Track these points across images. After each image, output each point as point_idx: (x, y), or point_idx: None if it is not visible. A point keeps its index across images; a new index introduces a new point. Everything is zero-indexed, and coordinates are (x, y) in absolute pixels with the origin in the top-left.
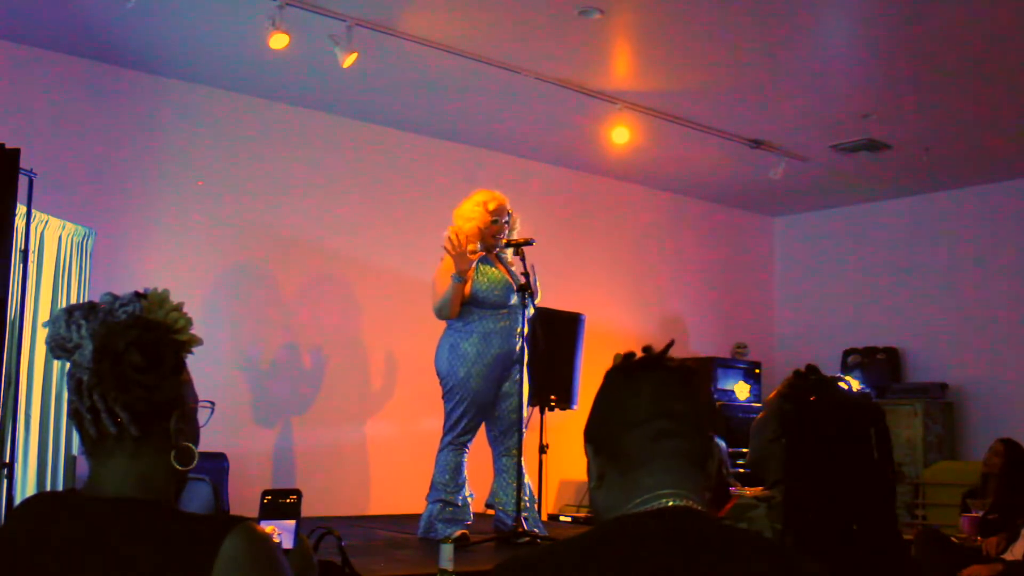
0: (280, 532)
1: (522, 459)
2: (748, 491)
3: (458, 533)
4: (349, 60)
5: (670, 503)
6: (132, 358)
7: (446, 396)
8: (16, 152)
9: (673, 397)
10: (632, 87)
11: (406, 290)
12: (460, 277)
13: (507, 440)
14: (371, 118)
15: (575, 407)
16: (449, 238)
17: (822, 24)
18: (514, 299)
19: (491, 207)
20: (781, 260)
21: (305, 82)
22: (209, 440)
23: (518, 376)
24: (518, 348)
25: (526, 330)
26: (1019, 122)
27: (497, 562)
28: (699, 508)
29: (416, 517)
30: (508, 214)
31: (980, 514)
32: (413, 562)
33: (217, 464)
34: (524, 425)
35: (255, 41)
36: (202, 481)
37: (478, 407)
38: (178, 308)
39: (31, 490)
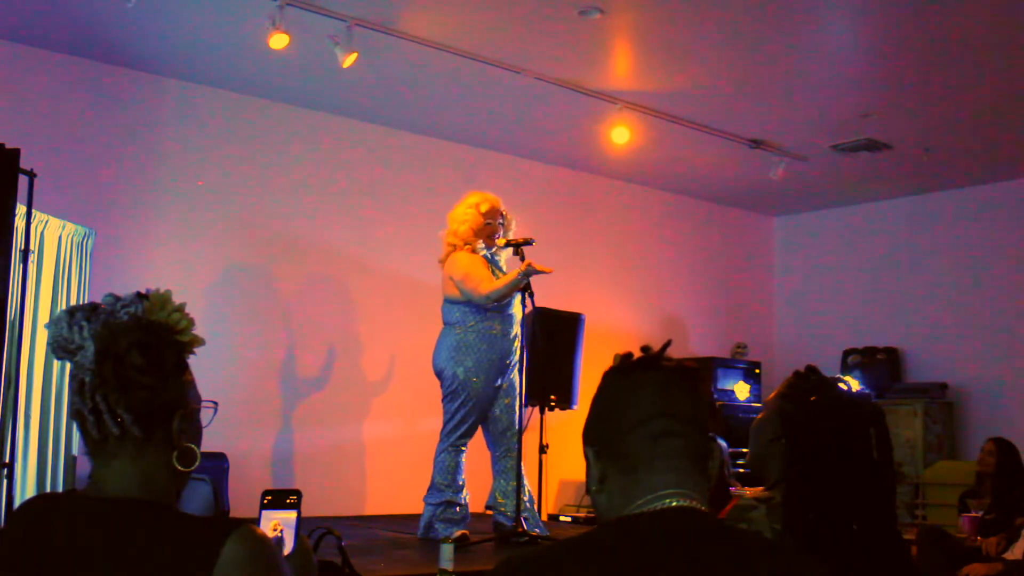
0: (282, 527)
1: (521, 459)
2: (748, 491)
3: (458, 533)
4: (349, 60)
5: (673, 503)
6: (134, 359)
7: (448, 397)
8: (16, 152)
9: (673, 396)
10: (632, 87)
11: (406, 290)
12: (526, 275)
13: (505, 441)
14: (371, 118)
15: (575, 407)
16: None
17: (822, 24)
18: (515, 301)
19: (483, 209)
20: (781, 260)
21: (305, 82)
22: (209, 440)
23: (515, 377)
24: (515, 349)
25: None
26: (1019, 122)
27: (497, 562)
28: (702, 508)
29: (416, 517)
30: (502, 215)
31: (980, 514)
32: (413, 562)
33: (217, 464)
34: (523, 425)
35: (255, 41)
36: (202, 481)
37: (480, 408)
38: (180, 309)
39: (31, 490)
